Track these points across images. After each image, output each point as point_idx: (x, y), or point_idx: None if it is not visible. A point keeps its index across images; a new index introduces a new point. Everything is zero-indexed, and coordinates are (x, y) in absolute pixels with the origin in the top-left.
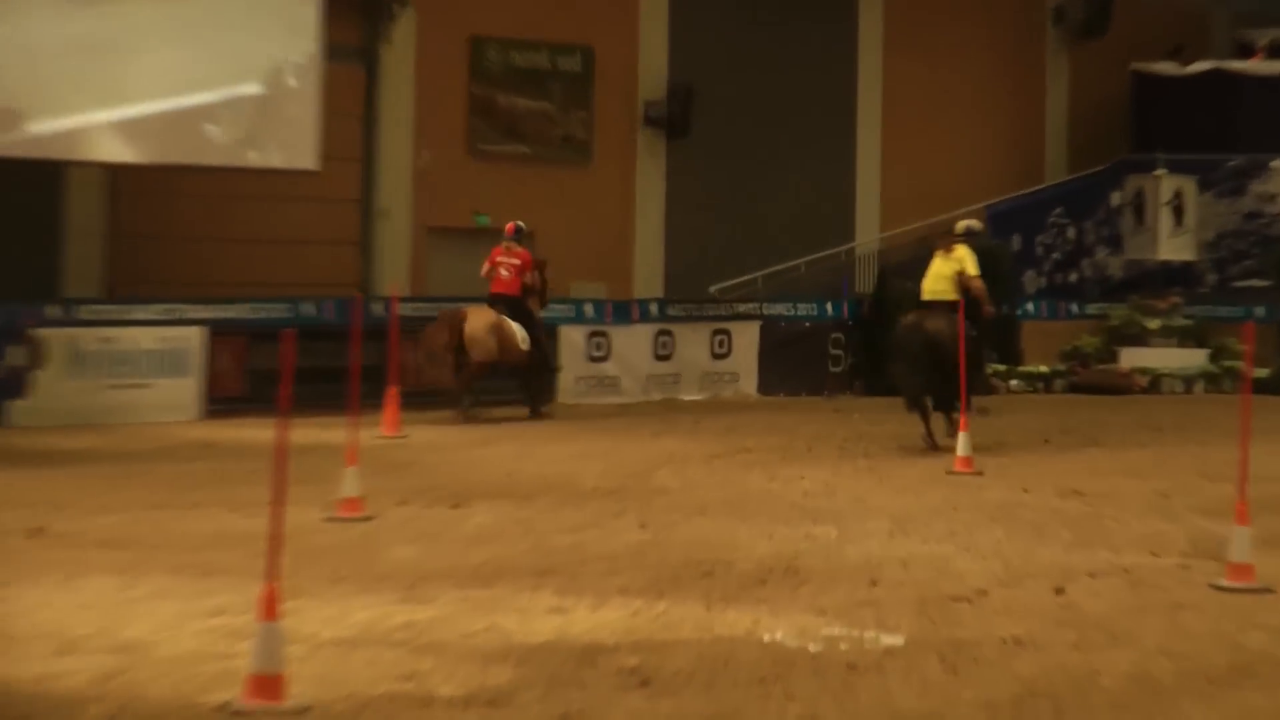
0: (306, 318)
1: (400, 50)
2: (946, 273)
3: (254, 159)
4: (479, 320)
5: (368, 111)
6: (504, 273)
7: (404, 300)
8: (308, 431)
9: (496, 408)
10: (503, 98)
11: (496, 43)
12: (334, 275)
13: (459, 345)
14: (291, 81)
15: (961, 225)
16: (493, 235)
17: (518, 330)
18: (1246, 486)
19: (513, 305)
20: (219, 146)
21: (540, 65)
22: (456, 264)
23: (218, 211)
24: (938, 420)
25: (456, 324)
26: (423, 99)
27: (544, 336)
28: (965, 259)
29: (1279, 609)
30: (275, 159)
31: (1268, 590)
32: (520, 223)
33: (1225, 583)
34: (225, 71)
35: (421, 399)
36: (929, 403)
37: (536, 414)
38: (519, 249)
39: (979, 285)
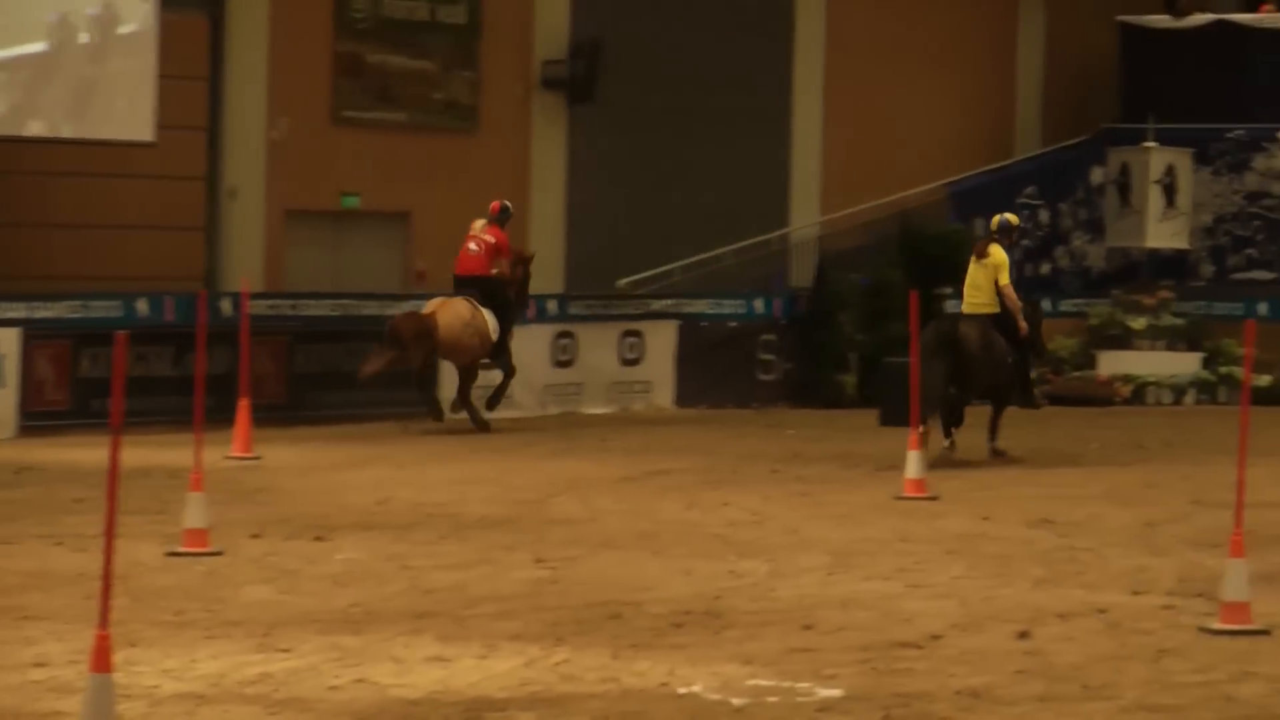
0: (142, 317)
1: None
2: (982, 281)
3: (48, 129)
4: (452, 319)
5: (213, 71)
6: (472, 247)
7: (257, 297)
8: (145, 451)
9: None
10: (374, 55)
11: None
12: (174, 267)
13: (432, 350)
14: (120, 33)
15: (996, 220)
16: (360, 218)
17: (489, 319)
18: (1243, 514)
19: (484, 288)
20: None
21: (418, 16)
22: (320, 254)
23: (34, 192)
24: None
25: (426, 331)
26: (278, 56)
27: (510, 334)
28: (1000, 263)
29: (1277, 655)
30: (102, 129)
31: (1265, 633)
32: (507, 203)
33: (1217, 625)
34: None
35: (277, 412)
36: (949, 407)
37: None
38: (497, 230)
39: (1012, 295)
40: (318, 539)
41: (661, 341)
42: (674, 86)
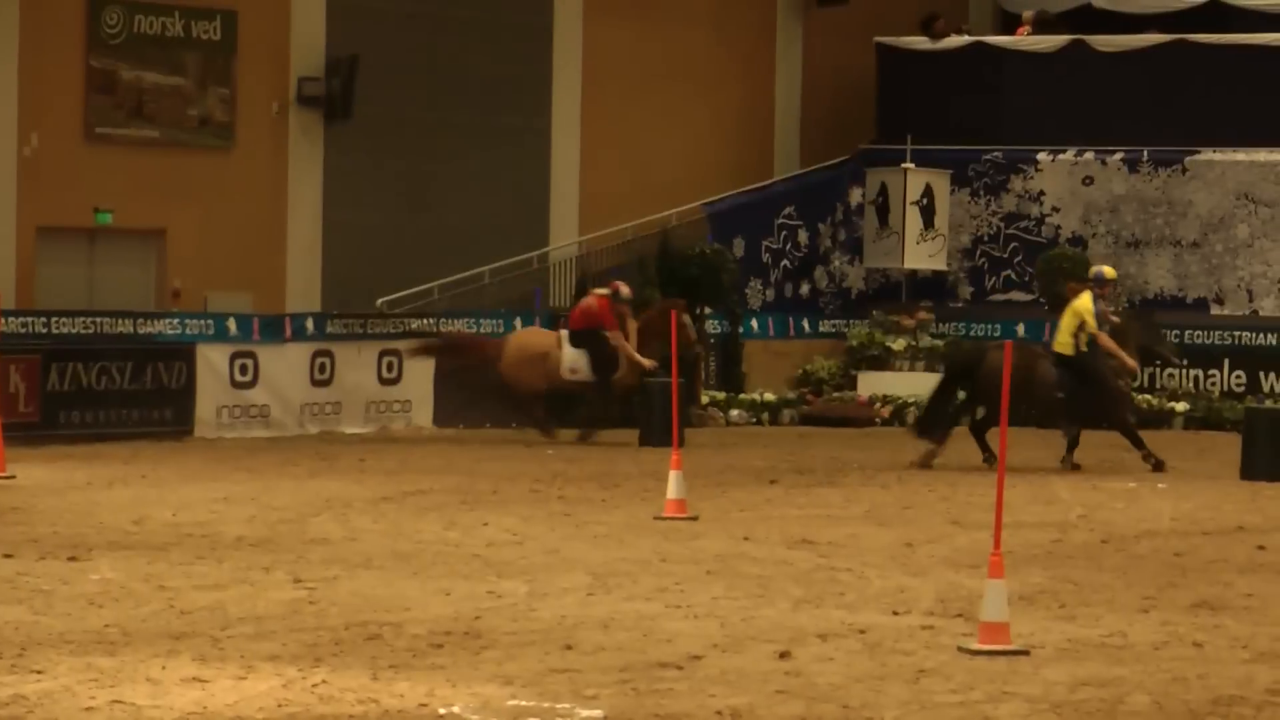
0: None
1: (1, 10)
2: (1063, 323)
3: None
4: (516, 351)
5: None
6: (589, 302)
7: (8, 314)
8: None
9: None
10: (127, 71)
11: (120, 4)
12: None
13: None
14: None
15: (1093, 270)
16: (114, 235)
17: (570, 359)
18: (1001, 535)
19: (585, 339)
20: None
21: (172, 32)
22: (73, 271)
23: None
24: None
25: (485, 350)
26: (29, 72)
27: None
28: (1079, 310)
29: (1035, 674)
30: None
31: (1024, 653)
32: (618, 287)
33: (976, 645)
34: None
35: (30, 431)
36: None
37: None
38: (606, 302)
39: (1105, 341)
40: (72, 559)
41: (421, 361)
42: (432, 104)
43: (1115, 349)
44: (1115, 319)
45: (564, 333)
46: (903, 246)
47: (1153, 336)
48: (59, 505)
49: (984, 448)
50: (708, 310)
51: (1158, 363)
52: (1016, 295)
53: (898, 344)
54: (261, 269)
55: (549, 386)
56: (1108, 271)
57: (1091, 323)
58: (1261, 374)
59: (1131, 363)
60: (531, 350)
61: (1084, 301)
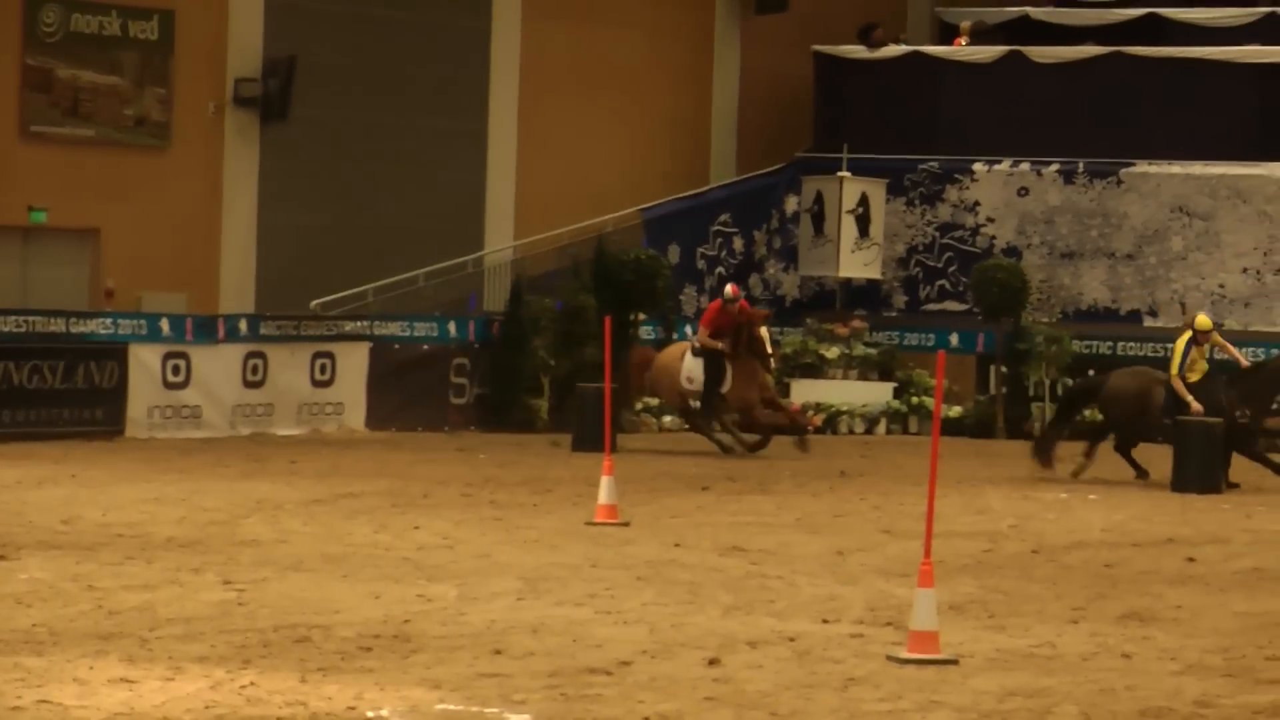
0: None
1: None
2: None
3: None
4: (658, 363)
5: None
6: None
7: None
8: None
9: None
10: (64, 70)
11: (57, 3)
12: None
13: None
14: None
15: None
16: (48, 234)
17: (686, 365)
18: (932, 544)
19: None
20: None
21: (109, 31)
22: (6, 269)
23: None
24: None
25: (643, 364)
26: None
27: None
28: (1174, 350)
29: (964, 684)
30: None
31: (953, 662)
32: (727, 289)
33: (905, 654)
34: None
35: None
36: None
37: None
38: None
39: (1176, 385)
40: (0, 558)
41: (353, 363)
42: (369, 106)
43: (1183, 392)
44: (1243, 361)
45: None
46: (838, 255)
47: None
48: None
49: (1134, 465)
50: (642, 316)
51: None
52: (950, 305)
53: (831, 352)
54: (196, 269)
55: (680, 397)
56: (1199, 322)
57: (1174, 365)
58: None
59: (1196, 405)
60: (664, 361)
61: (1178, 343)
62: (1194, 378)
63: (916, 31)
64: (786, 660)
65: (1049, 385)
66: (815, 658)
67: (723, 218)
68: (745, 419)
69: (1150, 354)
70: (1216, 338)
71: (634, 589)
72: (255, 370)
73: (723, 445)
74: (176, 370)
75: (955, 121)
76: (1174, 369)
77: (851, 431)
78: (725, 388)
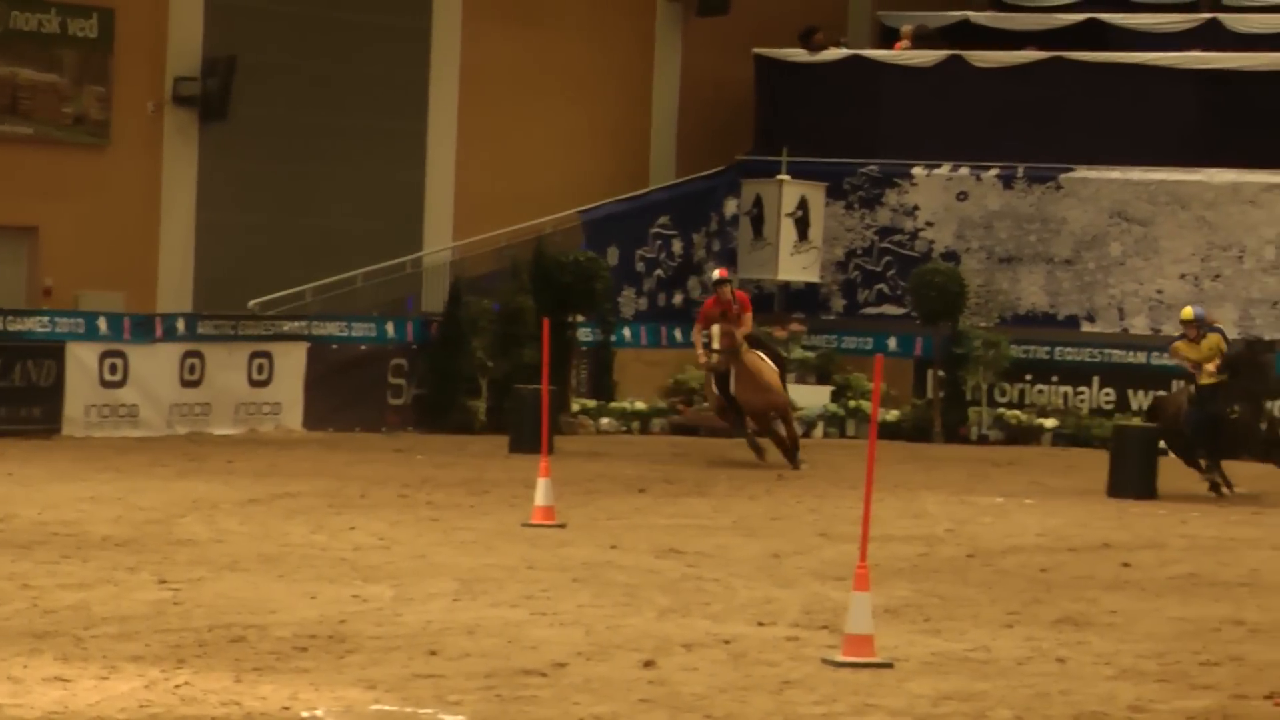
0: None
1: None
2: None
3: None
4: None
5: None
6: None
7: None
8: None
9: None
10: (2, 67)
11: None
12: None
13: None
14: None
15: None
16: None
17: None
18: (868, 547)
19: None
20: None
21: (48, 29)
22: None
23: None
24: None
25: None
26: None
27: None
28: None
29: (899, 687)
30: None
31: (888, 666)
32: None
33: (841, 657)
34: None
35: None
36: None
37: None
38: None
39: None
40: None
41: (291, 363)
42: (309, 106)
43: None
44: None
45: None
46: (777, 258)
47: (1254, 377)
48: None
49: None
50: (579, 318)
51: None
52: (889, 309)
53: None
54: (134, 268)
55: (716, 399)
56: (1181, 313)
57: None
58: (1130, 392)
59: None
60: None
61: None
62: (1206, 380)
63: (857, 35)
64: (722, 663)
65: (986, 390)
66: (751, 660)
67: (662, 220)
68: (759, 424)
69: (1088, 359)
70: (1214, 340)
71: (570, 591)
72: (193, 370)
73: (755, 449)
74: (114, 369)
75: (895, 125)
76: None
77: None
78: (732, 389)
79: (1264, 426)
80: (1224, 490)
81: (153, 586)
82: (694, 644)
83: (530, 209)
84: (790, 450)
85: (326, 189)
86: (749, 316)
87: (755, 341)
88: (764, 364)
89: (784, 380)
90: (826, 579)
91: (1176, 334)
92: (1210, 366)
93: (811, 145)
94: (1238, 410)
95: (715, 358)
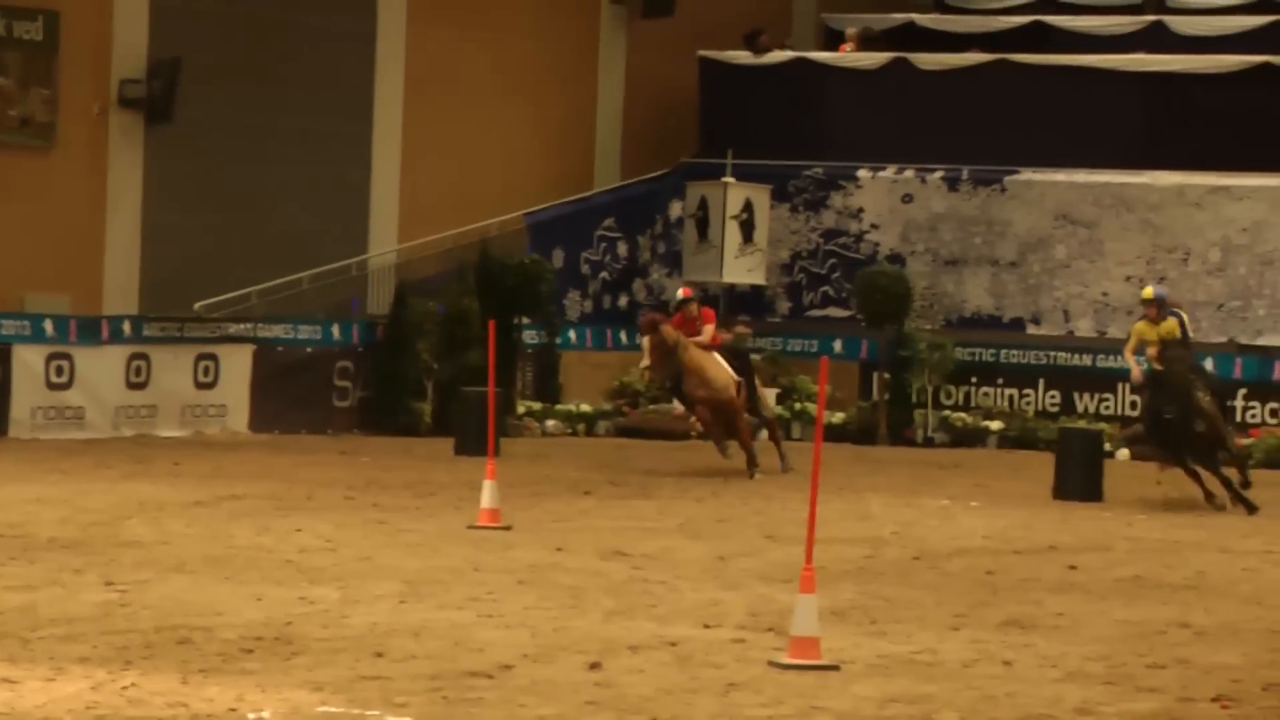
0: None
1: None
2: None
3: None
4: None
5: None
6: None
7: None
8: None
9: None
10: None
11: None
12: None
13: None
14: None
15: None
16: None
17: None
18: (814, 550)
19: None
20: None
21: None
22: None
23: None
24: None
25: None
26: None
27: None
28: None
29: (845, 690)
30: None
31: (834, 668)
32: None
33: (787, 660)
34: None
35: None
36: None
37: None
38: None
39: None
40: None
41: (237, 365)
42: (255, 108)
43: (1129, 360)
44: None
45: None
46: (721, 260)
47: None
48: None
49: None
50: (524, 320)
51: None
52: (834, 311)
53: None
54: (79, 270)
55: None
56: (1142, 293)
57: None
58: (1075, 394)
59: (1135, 370)
60: None
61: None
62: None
63: (802, 37)
64: (668, 665)
65: (931, 392)
66: (696, 663)
67: (607, 222)
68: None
69: (1033, 361)
70: (1171, 324)
71: (516, 593)
72: (139, 372)
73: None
74: (60, 371)
75: (840, 128)
76: (1126, 347)
77: None
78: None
79: (1199, 428)
80: (1218, 501)
81: (99, 588)
82: (640, 646)
83: (475, 211)
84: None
85: (272, 191)
86: (709, 327)
87: (726, 350)
88: (710, 361)
89: (752, 385)
90: (772, 581)
91: (1122, 336)
92: (1151, 351)
93: (756, 148)
94: (1171, 411)
95: (647, 375)
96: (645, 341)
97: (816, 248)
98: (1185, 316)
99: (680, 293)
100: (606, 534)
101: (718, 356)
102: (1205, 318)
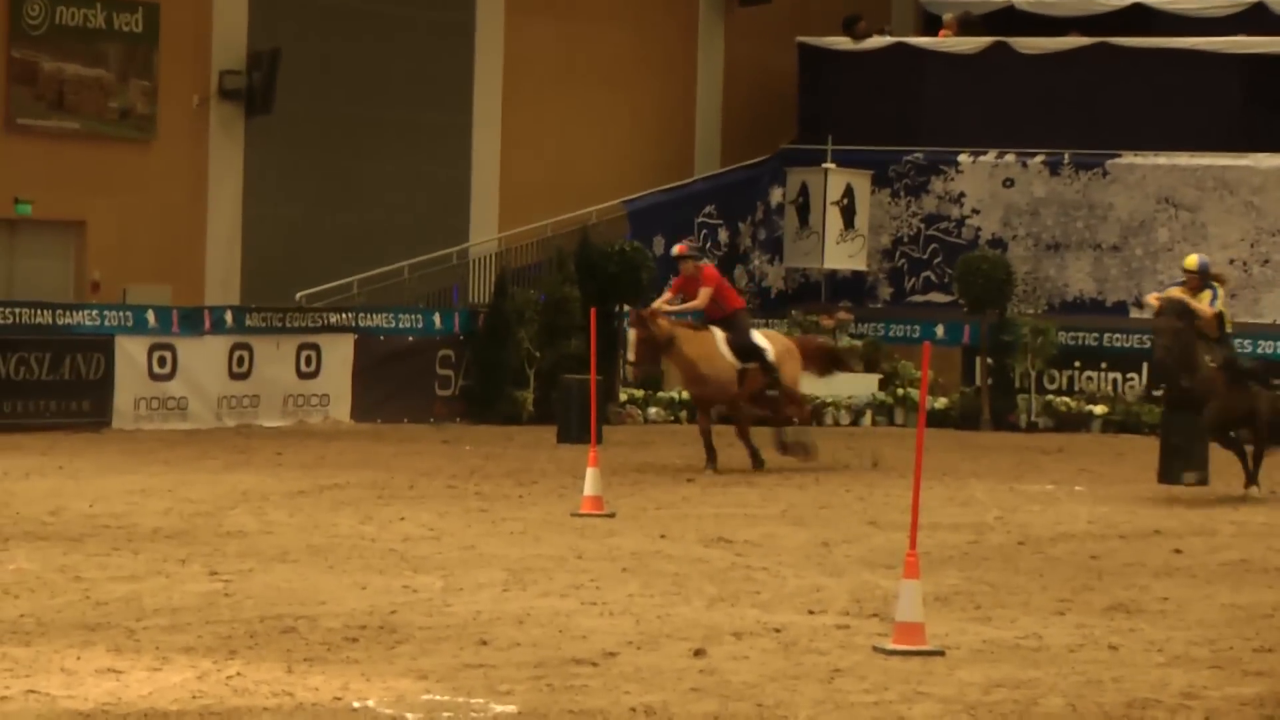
0: None
1: None
2: None
3: None
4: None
5: None
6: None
7: None
8: None
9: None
10: (49, 62)
11: None
12: None
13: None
14: None
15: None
16: (33, 226)
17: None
18: (917, 535)
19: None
20: None
21: (94, 24)
22: None
23: None
24: None
25: None
26: None
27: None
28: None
29: (950, 675)
30: None
31: (938, 654)
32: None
33: (891, 645)
34: None
35: None
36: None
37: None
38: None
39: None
40: None
41: (338, 355)
42: (354, 99)
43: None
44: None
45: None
46: (822, 246)
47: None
48: None
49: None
50: (626, 308)
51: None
52: (935, 297)
53: None
54: (181, 261)
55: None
56: (1186, 260)
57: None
58: None
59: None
60: None
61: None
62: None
63: (901, 22)
64: (771, 651)
65: (1034, 377)
66: (800, 649)
67: (707, 209)
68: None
69: (1136, 345)
70: (1205, 296)
71: (619, 580)
72: (241, 362)
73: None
74: (162, 362)
75: (940, 113)
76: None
77: (837, 423)
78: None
79: (1185, 384)
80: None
81: (203, 578)
82: (743, 633)
83: (575, 199)
84: (788, 436)
85: (372, 181)
86: (706, 290)
87: (724, 323)
88: (706, 354)
89: (766, 362)
90: (876, 567)
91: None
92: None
93: (856, 133)
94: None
95: (631, 371)
96: (631, 334)
97: (918, 233)
98: (1222, 291)
99: (675, 250)
100: (709, 521)
101: (720, 344)
102: None
